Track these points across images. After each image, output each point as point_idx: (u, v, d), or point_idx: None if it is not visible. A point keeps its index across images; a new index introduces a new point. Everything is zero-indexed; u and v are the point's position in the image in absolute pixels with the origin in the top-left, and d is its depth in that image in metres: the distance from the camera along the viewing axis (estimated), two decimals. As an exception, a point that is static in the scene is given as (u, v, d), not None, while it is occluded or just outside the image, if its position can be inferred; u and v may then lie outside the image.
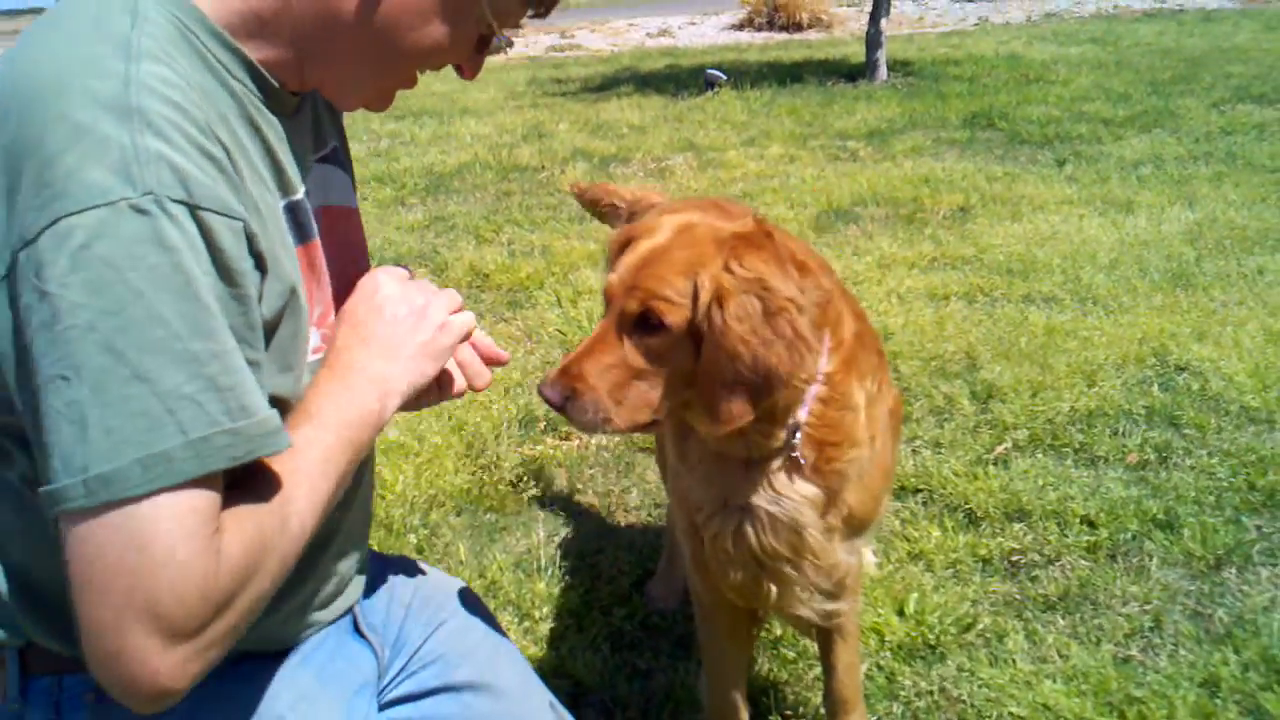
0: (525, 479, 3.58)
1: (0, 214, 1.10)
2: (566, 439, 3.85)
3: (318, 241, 1.46)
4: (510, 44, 1.43)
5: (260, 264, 1.22)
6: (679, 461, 2.00)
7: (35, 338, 1.07)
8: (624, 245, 1.78)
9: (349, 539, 1.62)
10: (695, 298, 1.65)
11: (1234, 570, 2.87)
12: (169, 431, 1.07)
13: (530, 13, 1.41)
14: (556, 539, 3.26)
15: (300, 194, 1.41)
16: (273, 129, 1.35)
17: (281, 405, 1.26)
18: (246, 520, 1.17)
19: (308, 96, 1.47)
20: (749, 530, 1.88)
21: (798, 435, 1.81)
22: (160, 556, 1.07)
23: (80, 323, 1.05)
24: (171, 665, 1.08)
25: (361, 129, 10.32)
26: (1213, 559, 2.91)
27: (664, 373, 1.69)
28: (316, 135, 1.53)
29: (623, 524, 3.35)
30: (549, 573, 3.05)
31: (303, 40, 1.33)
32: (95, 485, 1.05)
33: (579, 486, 3.58)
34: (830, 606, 2.07)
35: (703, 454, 1.90)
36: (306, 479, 1.25)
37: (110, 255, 1.06)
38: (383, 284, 1.49)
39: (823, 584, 1.99)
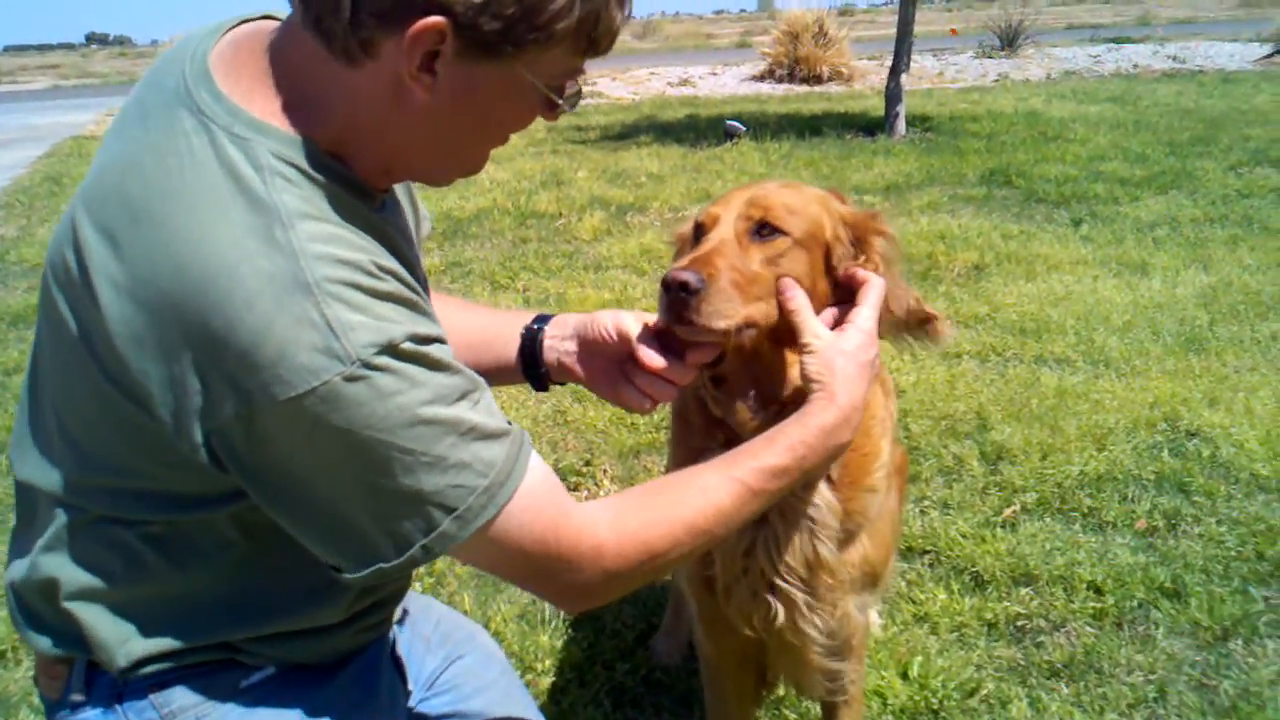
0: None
1: (193, 389, 1.19)
2: (573, 490, 3.86)
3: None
4: (579, 94, 1.44)
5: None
6: None
7: (290, 482, 1.25)
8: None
9: None
10: (816, 224, 1.83)
11: (1240, 641, 2.85)
12: (438, 516, 1.27)
13: (583, 61, 1.39)
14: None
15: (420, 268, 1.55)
16: (390, 227, 1.42)
17: None
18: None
19: None
20: (759, 547, 1.89)
21: None
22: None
23: (337, 476, 1.24)
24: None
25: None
26: (1219, 629, 2.89)
27: (773, 282, 1.77)
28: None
29: (628, 577, 3.33)
30: (552, 625, 3.06)
31: (380, 149, 1.36)
32: (388, 569, 1.29)
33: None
34: (837, 665, 2.07)
35: None
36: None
37: (342, 423, 1.19)
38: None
39: (832, 626, 1.98)
